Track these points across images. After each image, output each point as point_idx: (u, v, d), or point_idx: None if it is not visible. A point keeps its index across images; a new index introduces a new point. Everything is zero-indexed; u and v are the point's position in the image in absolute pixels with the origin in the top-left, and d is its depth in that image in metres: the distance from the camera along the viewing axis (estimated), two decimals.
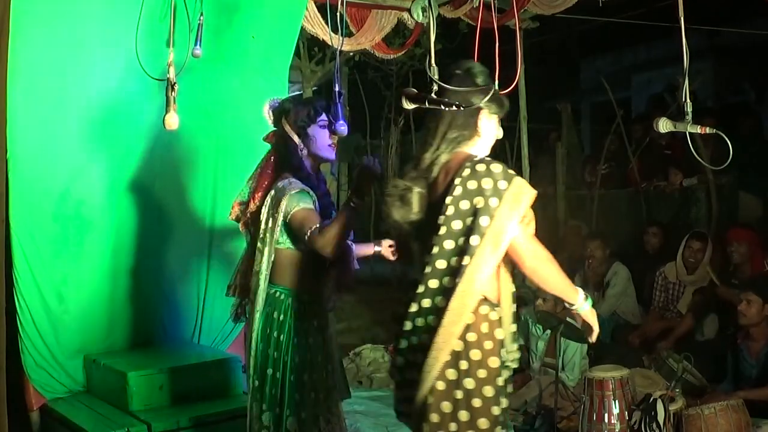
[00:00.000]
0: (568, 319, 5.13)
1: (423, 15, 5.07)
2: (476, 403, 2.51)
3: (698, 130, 3.02)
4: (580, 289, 2.74)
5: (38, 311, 4.36)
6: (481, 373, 2.52)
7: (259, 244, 3.13)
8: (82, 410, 4.33)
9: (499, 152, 8.81)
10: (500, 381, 2.59)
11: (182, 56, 3.73)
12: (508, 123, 4.24)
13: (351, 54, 7.38)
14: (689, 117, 3.00)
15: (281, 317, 3.12)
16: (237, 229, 3.45)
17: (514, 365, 2.73)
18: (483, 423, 2.51)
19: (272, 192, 3.13)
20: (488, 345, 2.56)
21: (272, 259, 3.13)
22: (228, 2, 4.72)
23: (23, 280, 4.29)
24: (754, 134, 7.87)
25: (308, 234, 2.98)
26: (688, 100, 3.01)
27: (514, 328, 2.72)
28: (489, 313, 2.58)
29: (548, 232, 8.04)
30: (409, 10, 5.08)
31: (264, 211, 3.13)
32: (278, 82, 5.02)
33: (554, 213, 8.01)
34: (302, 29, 5.00)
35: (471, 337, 2.53)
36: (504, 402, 2.60)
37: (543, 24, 6.57)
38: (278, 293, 3.14)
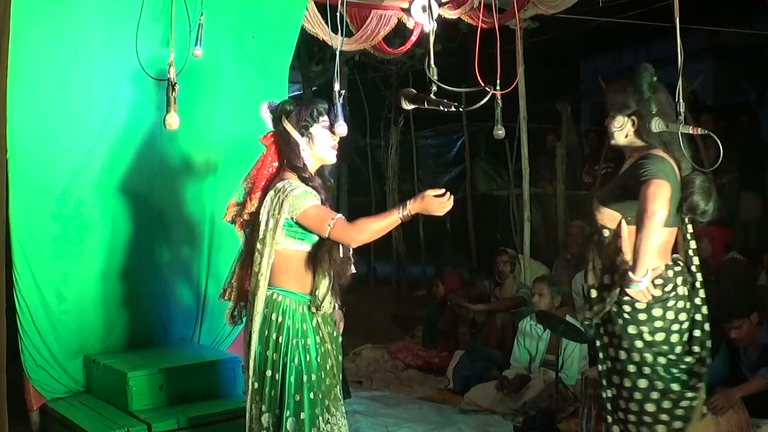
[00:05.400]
0: (568, 318, 5.14)
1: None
2: None
3: (690, 130, 3.03)
4: None
5: (38, 311, 4.37)
6: None
7: (258, 245, 3.12)
8: (82, 410, 4.32)
9: (499, 152, 8.84)
10: None
11: (182, 56, 3.74)
12: (508, 123, 4.24)
13: (351, 54, 7.38)
14: (681, 117, 3.01)
15: (279, 319, 3.12)
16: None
17: None
18: None
19: (271, 193, 3.12)
20: None
21: (272, 260, 3.12)
22: (228, 2, 4.72)
23: (23, 279, 4.29)
24: (754, 133, 7.87)
25: (331, 224, 3.01)
26: (681, 101, 3.02)
27: None
28: None
29: (548, 232, 8.09)
30: (409, 11, 5.08)
31: (263, 212, 3.11)
32: (278, 82, 5.02)
33: (554, 213, 8.01)
34: (302, 29, 5.00)
35: None
36: None
37: (543, 24, 6.57)
38: (276, 295, 3.14)
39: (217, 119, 4.89)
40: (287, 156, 3.19)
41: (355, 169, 10.70)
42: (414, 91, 3.46)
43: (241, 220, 3.29)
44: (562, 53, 12.48)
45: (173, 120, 3.57)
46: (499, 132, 4.06)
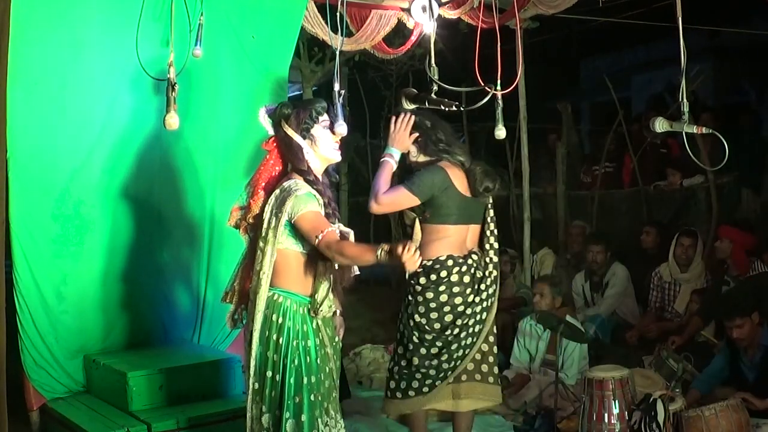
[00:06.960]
0: (568, 318, 5.14)
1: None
2: None
3: (695, 130, 3.03)
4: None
5: (38, 311, 4.37)
6: None
7: (260, 244, 3.12)
8: (82, 410, 4.32)
9: (499, 152, 8.84)
10: None
11: (182, 56, 3.74)
12: (508, 123, 4.23)
13: (351, 54, 7.37)
14: (686, 117, 3.01)
15: (280, 320, 3.12)
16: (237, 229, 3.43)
17: None
18: None
19: (276, 191, 3.11)
20: None
21: (274, 259, 3.12)
22: (228, 2, 4.72)
23: (23, 280, 4.29)
24: (755, 133, 7.89)
25: (319, 237, 2.98)
26: (685, 100, 3.02)
27: None
28: None
29: (549, 232, 8.10)
30: (409, 11, 5.08)
31: (267, 210, 3.11)
32: (278, 82, 5.02)
33: (554, 213, 8.00)
34: (302, 29, 4.99)
35: None
36: None
37: (543, 24, 6.57)
38: (277, 296, 3.14)
39: (217, 119, 4.88)
40: (291, 160, 3.19)
41: (355, 169, 10.68)
42: (415, 90, 3.47)
43: (246, 223, 3.28)
44: (562, 53, 12.48)
45: (173, 120, 3.57)
46: (500, 132, 4.05)
